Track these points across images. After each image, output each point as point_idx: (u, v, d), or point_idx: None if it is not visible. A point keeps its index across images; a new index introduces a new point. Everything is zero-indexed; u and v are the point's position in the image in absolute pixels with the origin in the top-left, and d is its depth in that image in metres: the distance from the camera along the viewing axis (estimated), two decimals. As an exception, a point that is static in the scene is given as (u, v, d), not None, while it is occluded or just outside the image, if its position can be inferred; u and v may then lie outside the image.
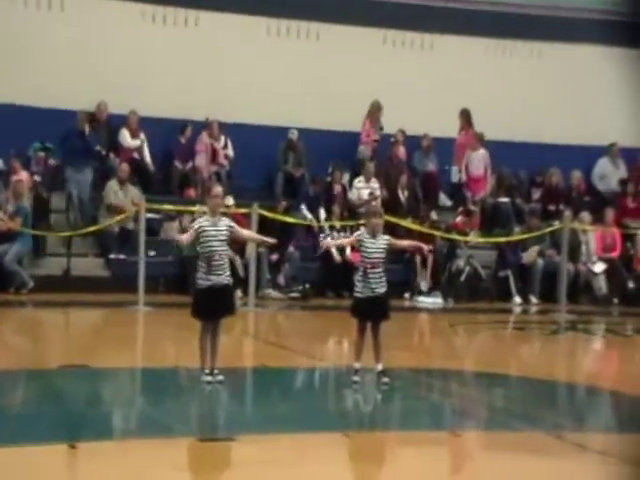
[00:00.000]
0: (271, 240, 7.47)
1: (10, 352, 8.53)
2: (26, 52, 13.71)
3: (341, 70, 15.24)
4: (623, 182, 16.25)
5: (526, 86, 15.95)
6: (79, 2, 14.30)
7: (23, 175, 12.77)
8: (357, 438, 5.60)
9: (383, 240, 6.83)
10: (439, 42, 16.00)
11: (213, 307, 6.61)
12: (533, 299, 13.90)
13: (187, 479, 4.70)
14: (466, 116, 15.27)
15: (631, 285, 14.44)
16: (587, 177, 16.32)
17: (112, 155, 13.84)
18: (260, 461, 4.91)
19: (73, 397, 6.67)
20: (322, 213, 14.20)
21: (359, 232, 7.10)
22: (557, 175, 15.70)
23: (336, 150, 14.84)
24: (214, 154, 14.51)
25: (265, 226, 11.98)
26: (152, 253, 12.31)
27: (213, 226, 6.58)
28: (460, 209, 14.62)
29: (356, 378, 6.81)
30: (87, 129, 13.24)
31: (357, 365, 6.84)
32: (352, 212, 14.19)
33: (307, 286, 13.22)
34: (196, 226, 6.62)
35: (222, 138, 14.65)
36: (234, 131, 14.59)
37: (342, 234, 13.75)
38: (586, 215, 14.64)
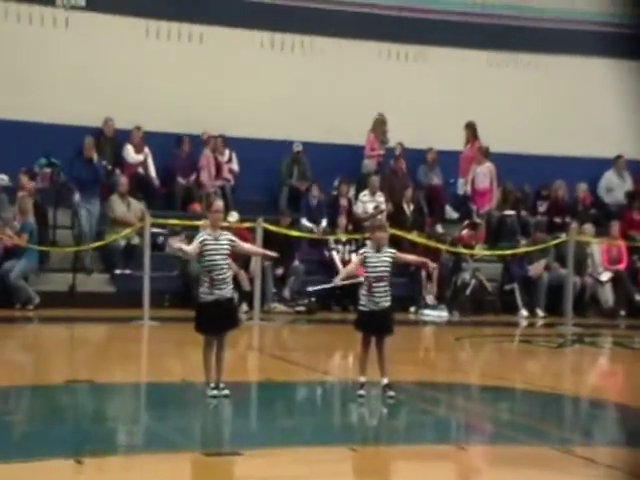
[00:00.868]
0: (272, 253, 7.48)
1: (16, 368, 8.53)
2: (31, 68, 13.80)
3: (346, 84, 15.30)
4: (629, 194, 16.23)
5: (531, 99, 15.97)
6: (84, 19, 14.40)
7: (27, 188, 12.79)
8: (363, 452, 5.57)
9: (388, 254, 6.82)
10: (444, 55, 16.05)
11: (217, 321, 6.60)
12: (539, 312, 13.86)
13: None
14: (472, 129, 15.31)
15: (638, 297, 14.40)
16: (593, 190, 16.31)
17: (117, 171, 13.88)
18: (265, 476, 4.89)
19: (79, 412, 6.66)
20: (324, 223, 14.22)
21: (365, 248, 7.10)
22: (563, 188, 15.69)
23: (340, 164, 14.87)
24: (218, 168, 14.55)
25: (270, 240, 12.00)
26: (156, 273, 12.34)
27: (215, 240, 6.59)
28: (466, 222, 14.62)
29: (362, 392, 6.79)
30: (95, 156, 13.12)
31: (362, 379, 6.82)
32: (357, 225, 14.20)
33: (312, 300, 13.21)
34: (200, 240, 6.63)
35: (226, 152, 14.70)
36: (238, 145, 14.64)
37: (348, 247, 13.77)
38: (589, 227, 14.62)
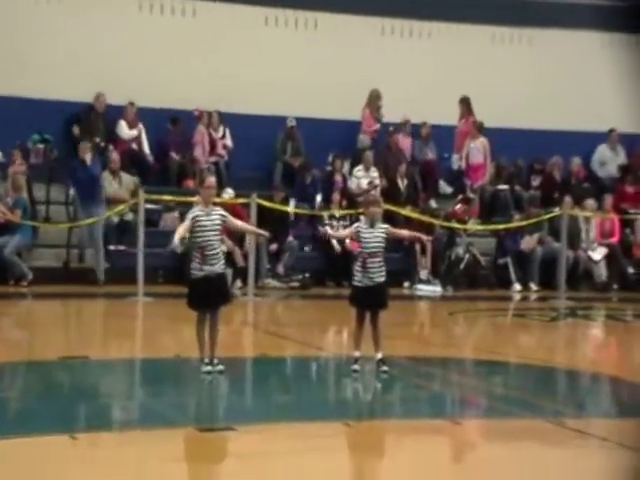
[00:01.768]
0: (264, 233, 7.46)
1: (10, 344, 8.54)
2: (23, 45, 13.67)
3: (339, 59, 15.19)
4: (622, 168, 16.24)
5: (525, 73, 15.90)
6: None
7: (20, 167, 12.73)
8: (357, 427, 5.61)
9: (381, 229, 6.82)
10: (437, 30, 15.95)
11: (208, 297, 6.61)
12: (533, 286, 13.91)
13: (187, 469, 4.71)
14: (466, 104, 15.25)
15: (630, 271, 14.45)
16: (586, 164, 16.31)
17: (110, 146, 13.81)
18: (260, 451, 4.92)
19: (73, 388, 6.68)
20: (318, 199, 14.21)
21: (358, 223, 7.09)
22: (557, 162, 15.69)
23: (335, 139, 14.81)
24: (212, 145, 14.49)
25: (264, 216, 11.98)
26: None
27: (207, 216, 6.58)
28: (459, 197, 14.61)
29: (356, 367, 6.82)
30: (89, 158, 12.59)
31: (356, 354, 6.85)
32: (351, 201, 14.18)
33: (306, 275, 13.23)
34: (191, 216, 6.61)
35: (220, 129, 14.63)
36: (232, 121, 14.56)
37: (342, 223, 13.76)
38: (591, 202, 14.62)
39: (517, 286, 13.84)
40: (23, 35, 13.68)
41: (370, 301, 6.80)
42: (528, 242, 14.08)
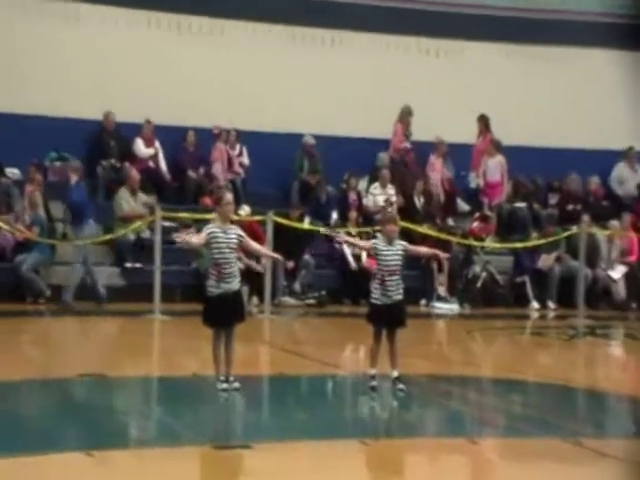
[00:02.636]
0: (279, 257, 7.48)
1: (28, 361, 8.57)
2: (40, 62, 13.82)
3: (357, 76, 15.25)
4: (641, 186, 16.16)
5: (543, 91, 15.89)
6: (94, 13, 14.39)
7: (37, 185, 12.76)
8: (374, 446, 5.57)
9: (399, 246, 6.82)
10: (455, 48, 15.98)
11: (224, 314, 6.62)
12: (551, 304, 13.82)
13: (203, 487, 4.70)
14: (484, 122, 15.24)
15: (649, 290, 14.34)
16: (604, 182, 16.24)
17: (127, 164, 13.89)
18: (277, 469, 4.90)
19: (90, 406, 6.68)
20: (334, 216, 14.21)
21: (375, 240, 7.09)
22: (575, 180, 15.63)
23: (353, 157, 14.81)
24: (229, 162, 14.56)
25: (281, 234, 11.99)
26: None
27: (224, 234, 6.59)
28: (476, 215, 14.58)
29: (374, 384, 6.80)
30: (73, 180, 12.39)
31: (373, 371, 6.82)
32: (368, 219, 14.18)
33: (323, 293, 13.21)
34: (207, 232, 6.61)
35: (237, 146, 14.70)
36: (249, 139, 14.63)
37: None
38: (615, 224, 14.53)
39: (535, 304, 13.75)
40: (39, 54, 13.81)
41: (389, 319, 6.78)
42: (545, 260, 14.01)
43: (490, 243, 14.14)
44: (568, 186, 15.62)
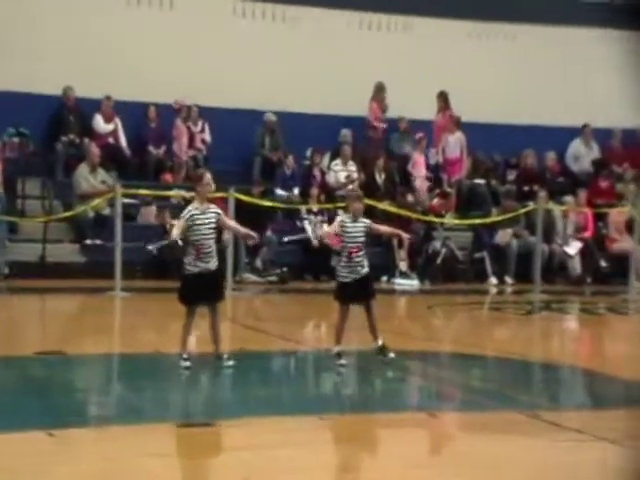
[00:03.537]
0: (255, 236, 7.53)
1: (-14, 340, 8.47)
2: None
3: (317, 53, 15.22)
4: (596, 163, 16.41)
5: (501, 69, 16.01)
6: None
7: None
8: (336, 421, 5.64)
9: (363, 223, 6.88)
10: (417, 25, 16.01)
11: (201, 292, 6.67)
12: (508, 280, 14.03)
13: (166, 465, 4.72)
14: (444, 98, 15.32)
15: (603, 264, 14.62)
16: (561, 158, 16.45)
17: (87, 140, 13.73)
18: (239, 446, 4.94)
19: (50, 384, 6.64)
20: (296, 192, 14.23)
21: (341, 217, 7.13)
22: (532, 156, 15.81)
23: (316, 133, 14.81)
24: (191, 139, 14.46)
25: (242, 210, 11.98)
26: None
27: (202, 214, 6.65)
28: (436, 191, 14.69)
29: (342, 361, 6.88)
30: None
31: (338, 348, 6.89)
32: (329, 195, 14.21)
33: (285, 270, 13.24)
34: (187, 215, 6.65)
35: (199, 122, 14.60)
36: (211, 115, 14.54)
37: (320, 217, 13.80)
38: (568, 198, 14.76)
39: (493, 280, 13.95)
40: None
41: (361, 293, 6.85)
42: (503, 236, 14.19)
43: (450, 219, 14.28)
44: (525, 162, 15.81)
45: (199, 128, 14.61)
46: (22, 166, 13.19)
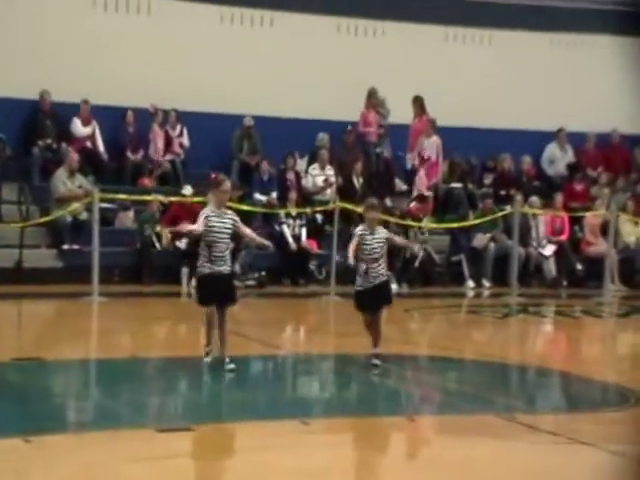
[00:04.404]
0: (267, 243, 7.62)
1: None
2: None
3: (295, 57, 15.24)
4: (571, 166, 16.57)
5: (477, 73, 16.12)
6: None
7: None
8: (315, 425, 5.66)
9: (381, 234, 6.92)
10: (392, 29, 16.08)
11: (214, 294, 6.80)
12: (485, 283, 14.12)
13: (145, 470, 4.72)
14: (419, 103, 15.36)
15: (579, 267, 14.75)
16: (537, 162, 16.60)
17: (65, 145, 13.65)
18: (218, 450, 4.95)
19: (27, 390, 6.61)
20: (274, 196, 14.24)
21: (359, 228, 7.12)
22: (508, 160, 15.93)
23: (294, 137, 14.81)
24: (168, 143, 14.45)
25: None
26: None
27: (218, 218, 6.74)
28: (414, 195, 14.75)
29: (376, 362, 7.04)
30: None
31: (374, 350, 7.07)
32: (306, 199, 14.23)
33: (263, 274, 13.24)
34: (204, 216, 6.75)
35: (178, 127, 14.59)
36: (189, 119, 14.52)
37: (298, 221, 13.82)
38: (535, 199, 14.90)
39: (470, 283, 14.03)
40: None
41: (374, 299, 6.98)
42: (480, 239, 14.29)
43: (427, 223, 14.34)
44: (502, 166, 15.92)
45: (177, 132, 14.59)
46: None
